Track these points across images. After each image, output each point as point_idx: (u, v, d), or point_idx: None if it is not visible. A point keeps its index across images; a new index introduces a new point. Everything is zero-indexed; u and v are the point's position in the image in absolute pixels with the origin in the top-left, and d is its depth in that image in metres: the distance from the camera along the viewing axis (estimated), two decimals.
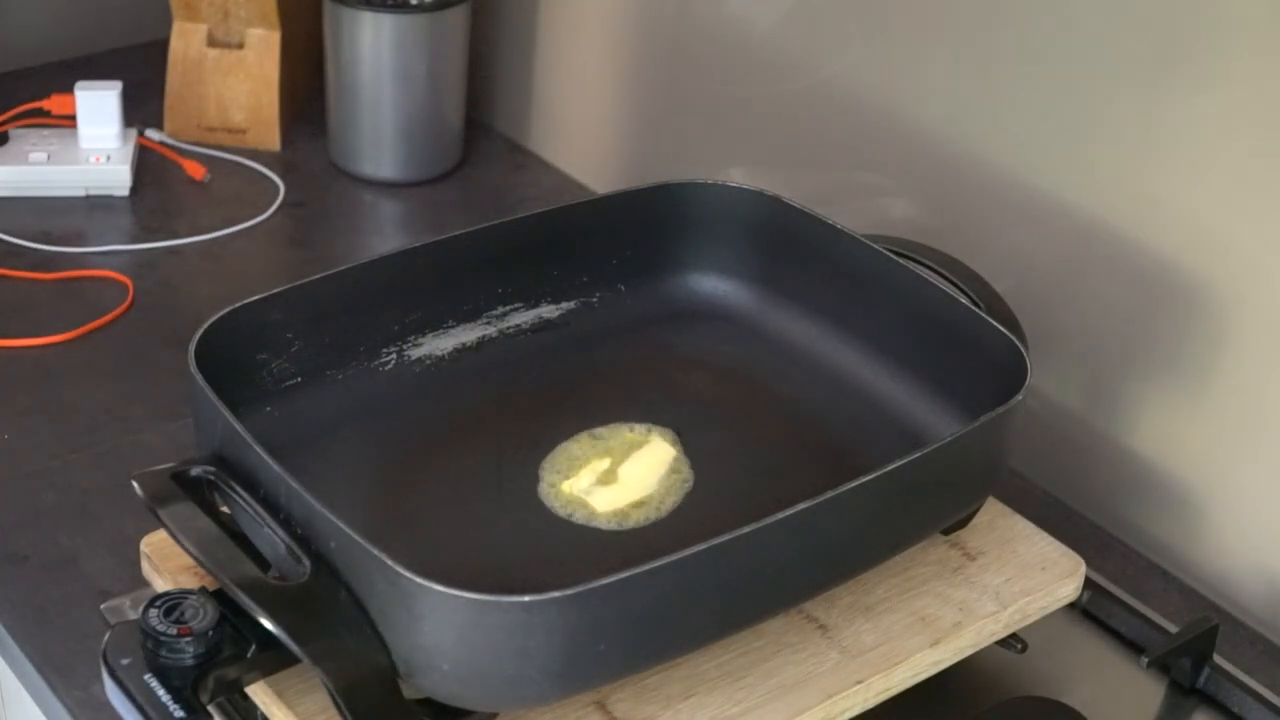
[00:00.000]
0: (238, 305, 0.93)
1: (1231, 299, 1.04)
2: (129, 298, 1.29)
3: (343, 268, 0.98)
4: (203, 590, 0.85)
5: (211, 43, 1.49)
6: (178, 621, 0.82)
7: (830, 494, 0.83)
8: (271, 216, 1.42)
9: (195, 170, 1.46)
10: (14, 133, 1.45)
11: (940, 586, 0.94)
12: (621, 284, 1.09)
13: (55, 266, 1.32)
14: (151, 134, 1.49)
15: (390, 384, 1.01)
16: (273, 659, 0.83)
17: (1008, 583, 0.95)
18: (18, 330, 1.24)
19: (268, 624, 0.77)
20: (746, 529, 0.81)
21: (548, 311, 1.07)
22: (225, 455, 0.86)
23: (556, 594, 0.77)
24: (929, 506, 0.91)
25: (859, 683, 0.88)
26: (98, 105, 1.42)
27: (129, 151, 1.43)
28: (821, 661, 0.89)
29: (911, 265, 1.01)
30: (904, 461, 0.85)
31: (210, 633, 0.82)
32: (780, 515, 0.82)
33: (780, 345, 1.07)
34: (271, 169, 1.48)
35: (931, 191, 1.21)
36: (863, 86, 1.23)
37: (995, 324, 0.96)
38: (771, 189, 1.07)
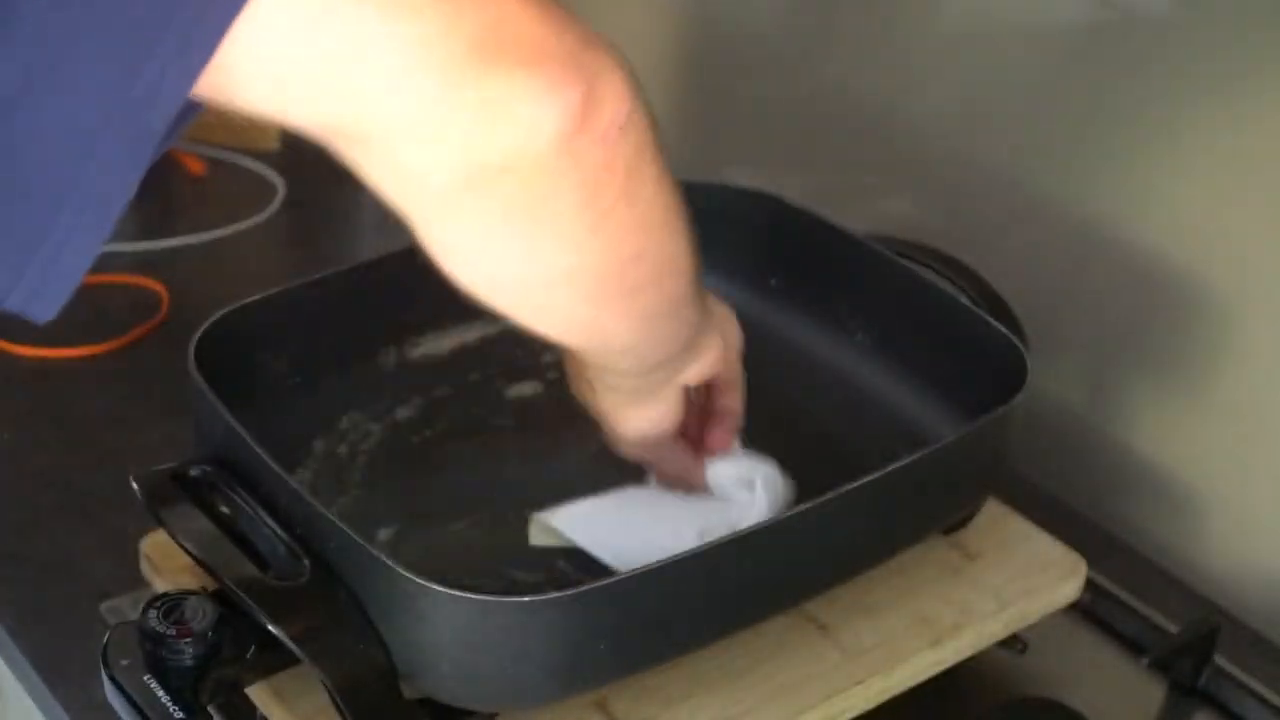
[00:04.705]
0: (237, 305, 0.93)
1: (1232, 298, 1.04)
2: (163, 306, 1.28)
3: (342, 268, 0.98)
4: (203, 591, 0.84)
5: None
6: (177, 622, 0.81)
7: (830, 494, 0.83)
8: (271, 216, 1.42)
9: (194, 165, 1.45)
10: None
11: (940, 586, 0.94)
12: None
13: None
14: None
15: (390, 384, 1.01)
16: (272, 659, 0.83)
17: (1008, 583, 0.95)
18: (21, 330, 1.24)
19: (268, 624, 0.77)
20: (746, 529, 0.81)
21: None
22: (225, 455, 0.86)
23: (556, 594, 0.77)
24: (929, 506, 0.91)
25: (859, 683, 0.88)
26: None
27: None
28: (821, 661, 0.89)
29: (911, 265, 1.01)
30: (904, 461, 0.85)
31: (210, 633, 0.81)
32: (780, 516, 0.82)
33: (780, 345, 1.07)
34: (271, 168, 1.48)
35: (931, 191, 1.21)
36: (863, 86, 1.23)
37: (995, 324, 0.96)
38: (771, 189, 1.07)
